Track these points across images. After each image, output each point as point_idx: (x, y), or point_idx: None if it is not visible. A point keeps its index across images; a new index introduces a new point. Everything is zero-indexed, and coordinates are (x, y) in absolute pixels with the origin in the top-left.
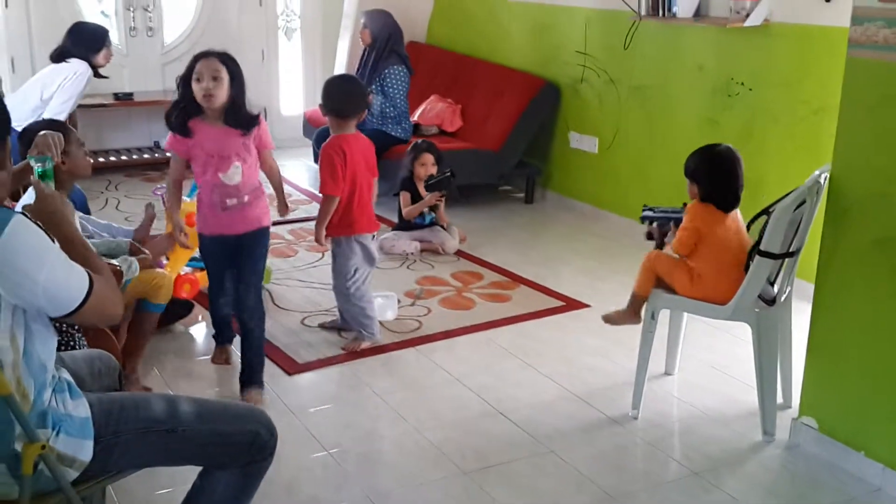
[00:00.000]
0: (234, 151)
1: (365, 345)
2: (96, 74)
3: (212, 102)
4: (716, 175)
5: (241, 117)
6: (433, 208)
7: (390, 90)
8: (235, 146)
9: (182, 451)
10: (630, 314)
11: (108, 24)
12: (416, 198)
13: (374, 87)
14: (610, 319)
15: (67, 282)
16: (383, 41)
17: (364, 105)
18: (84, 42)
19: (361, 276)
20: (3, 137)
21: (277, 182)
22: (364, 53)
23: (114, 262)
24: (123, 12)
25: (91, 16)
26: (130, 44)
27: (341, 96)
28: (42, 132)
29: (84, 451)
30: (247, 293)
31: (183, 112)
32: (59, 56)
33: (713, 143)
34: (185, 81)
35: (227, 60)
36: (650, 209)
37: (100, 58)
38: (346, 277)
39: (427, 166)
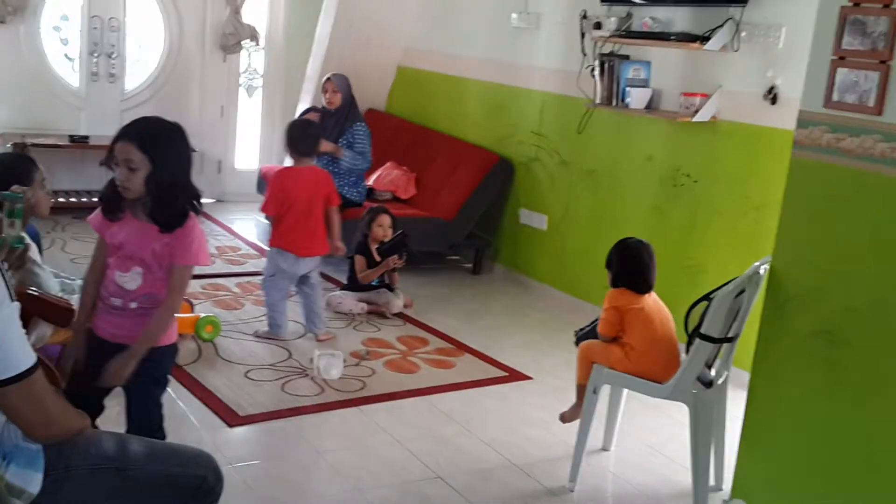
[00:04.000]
0: (140, 254)
1: (262, 331)
2: None
3: (126, 194)
4: (625, 262)
5: (163, 213)
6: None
7: (360, 146)
8: (146, 248)
9: (129, 490)
10: (579, 407)
11: (71, 67)
12: (370, 261)
13: (342, 143)
14: (564, 417)
15: (4, 348)
16: (348, 104)
17: (315, 146)
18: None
19: (275, 283)
20: None
21: (159, 311)
22: (324, 116)
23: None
24: (87, 57)
25: (55, 59)
26: (90, 88)
27: (298, 136)
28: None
29: (33, 483)
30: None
31: (117, 195)
32: None
33: (625, 238)
34: (109, 162)
35: (148, 143)
36: (580, 329)
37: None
38: (265, 275)
39: (384, 227)
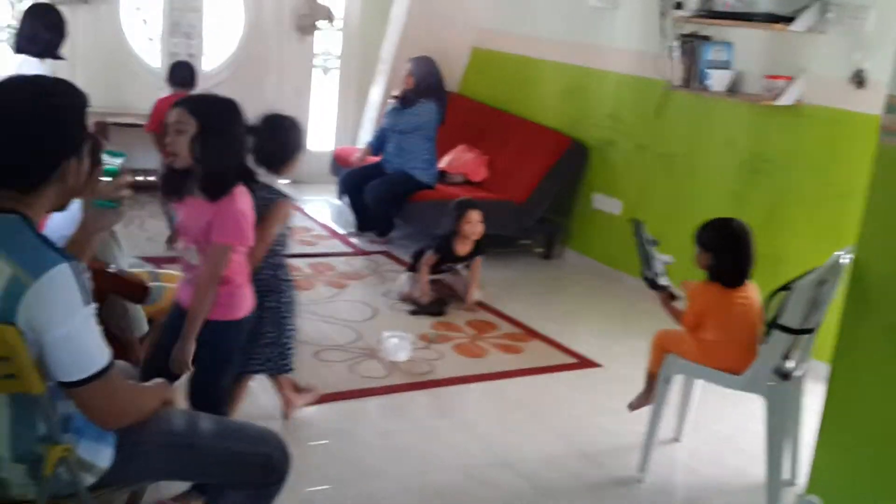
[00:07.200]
0: (195, 232)
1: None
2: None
3: (175, 162)
4: (727, 251)
5: (208, 179)
6: (468, 264)
7: (421, 121)
8: (199, 225)
9: (197, 466)
10: (647, 394)
11: (151, 47)
12: (447, 258)
13: (398, 125)
14: (633, 405)
15: (78, 352)
16: (424, 86)
17: (193, 76)
18: None
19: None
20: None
21: (194, 289)
22: (398, 100)
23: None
24: (167, 37)
25: (135, 39)
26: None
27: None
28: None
29: (103, 457)
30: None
31: (175, 172)
32: None
33: (727, 218)
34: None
35: (198, 108)
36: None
37: None
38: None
39: (473, 223)
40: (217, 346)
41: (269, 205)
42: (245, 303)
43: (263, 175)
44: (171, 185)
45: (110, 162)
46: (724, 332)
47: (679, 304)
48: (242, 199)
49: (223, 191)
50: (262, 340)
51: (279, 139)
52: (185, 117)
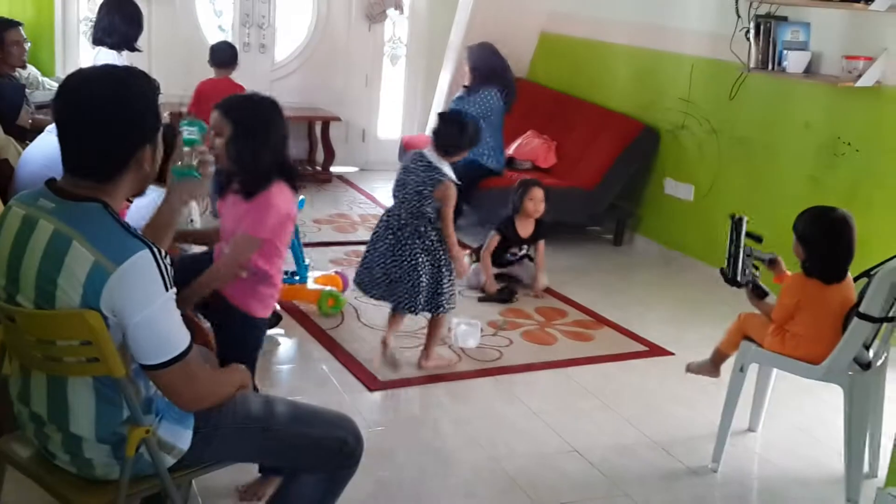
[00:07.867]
0: (234, 228)
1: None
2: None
3: (217, 162)
4: (825, 244)
5: (243, 179)
6: (531, 246)
7: (484, 108)
8: (238, 224)
9: (273, 450)
10: (710, 368)
11: (224, 38)
12: (510, 240)
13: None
14: (690, 368)
15: (159, 335)
16: (484, 73)
17: (233, 58)
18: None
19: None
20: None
21: (210, 273)
22: (464, 88)
23: None
24: (239, 28)
25: (209, 30)
26: (242, 58)
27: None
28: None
29: (183, 439)
30: None
31: (222, 171)
32: None
33: (829, 208)
34: None
35: (232, 110)
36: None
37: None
38: None
39: (536, 201)
40: (246, 339)
41: (433, 184)
42: (272, 304)
43: (434, 157)
44: (218, 184)
45: (189, 131)
46: (816, 328)
47: (770, 300)
48: (280, 196)
49: (257, 190)
50: (442, 286)
51: (457, 133)
52: (221, 120)
